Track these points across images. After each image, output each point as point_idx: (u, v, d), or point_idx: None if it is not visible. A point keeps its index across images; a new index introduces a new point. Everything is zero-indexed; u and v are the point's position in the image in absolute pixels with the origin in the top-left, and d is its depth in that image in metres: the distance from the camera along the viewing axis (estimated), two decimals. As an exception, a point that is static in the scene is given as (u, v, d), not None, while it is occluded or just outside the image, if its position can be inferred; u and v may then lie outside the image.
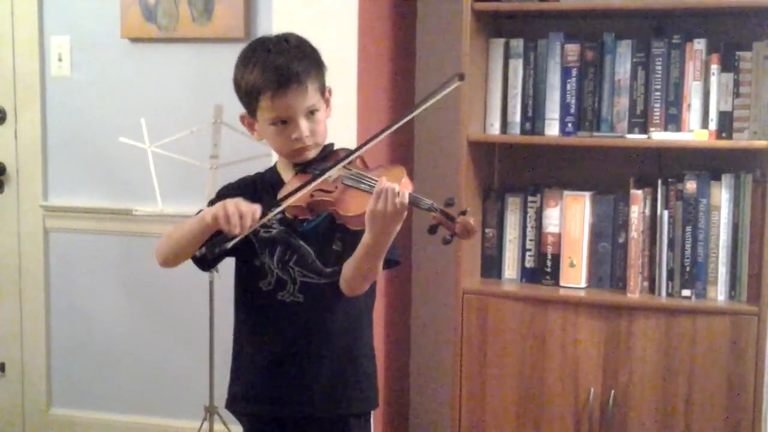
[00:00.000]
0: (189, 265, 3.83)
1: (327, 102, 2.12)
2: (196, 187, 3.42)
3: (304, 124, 2.04)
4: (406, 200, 1.86)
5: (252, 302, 2.16)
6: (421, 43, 3.53)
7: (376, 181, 1.91)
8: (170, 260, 2.10)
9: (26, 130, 3.83)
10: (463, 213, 1.85)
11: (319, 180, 1.96)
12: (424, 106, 1.99)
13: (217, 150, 3.32)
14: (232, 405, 2.23)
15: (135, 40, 3.67)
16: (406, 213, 1.89)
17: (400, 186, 1.88)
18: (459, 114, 3.00)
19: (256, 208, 1.92)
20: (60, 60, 3.78)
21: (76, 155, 3.80)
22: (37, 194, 3.85)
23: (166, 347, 3.78)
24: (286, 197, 1.96)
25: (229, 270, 2.21)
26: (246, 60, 2.09)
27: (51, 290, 3.90)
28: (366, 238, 1.94)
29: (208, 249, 1.95)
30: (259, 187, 2.16)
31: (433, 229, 1.88)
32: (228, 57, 3.54)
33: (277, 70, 2.02)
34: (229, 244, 1.93)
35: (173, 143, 3.32)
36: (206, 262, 2.11)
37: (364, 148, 2.02)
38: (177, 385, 3.77)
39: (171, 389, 3.79)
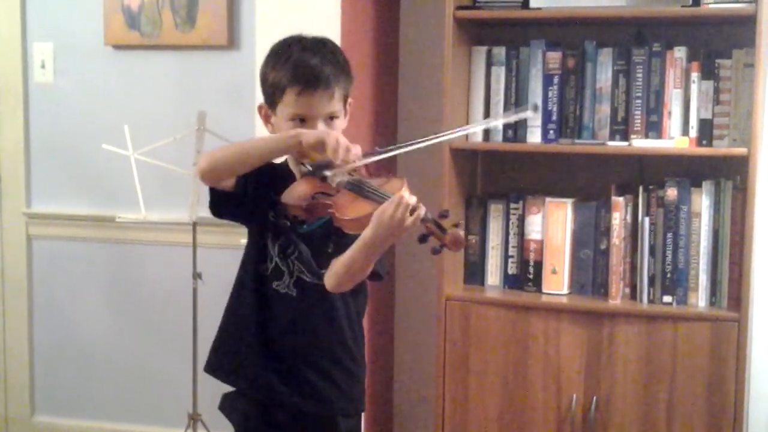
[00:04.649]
0: (171, 271, 3.80)
1: (347, 112, 2.14)
2: (179, 194, 3.42)
3: (321, 128, 2.05)
4: (422, 216, 1.86)
5: (249, 283, 2.17)
6: (403, 51, 3.53)
7: (380, 192, 1.91)
8: (219, 170, 2.05)
9: (9, 137, 3.82)
10: (456, 225, 1.86)
11: (373, 159, 2.00)
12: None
13: (200, 157, 3.32)
14: (214, 372, 2.22)
15: (118, 47, 3.67)
16: (411, 227, 1.87)
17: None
18: (441, 121, 3.01)
19: (358, 146, 1.95)
20: (43, 67, 3.77)
21: (59, 162, 3.80)
22: (20, 201, 3.84)
23: (149, 354, 3.77)
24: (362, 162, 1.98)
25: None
26: (279, 53, 2.09)
27: (34, 297, 3.89)
28: (366, 233, 1.91)
29: (316, 168, 1.95)
30: (277, 176, 2.14)
31: (423, 239, 1.88)
32: (211, 64, 3.62)
33: (309, 69, 2.03)
34: (330, 172, 1.94)
35: (156, 150, 3.32)
36: (226, 206, 2.10)
37: (386, 156, 2.02)
38: (160, 392, 3.76)
39: (154, 396, 3.78)
